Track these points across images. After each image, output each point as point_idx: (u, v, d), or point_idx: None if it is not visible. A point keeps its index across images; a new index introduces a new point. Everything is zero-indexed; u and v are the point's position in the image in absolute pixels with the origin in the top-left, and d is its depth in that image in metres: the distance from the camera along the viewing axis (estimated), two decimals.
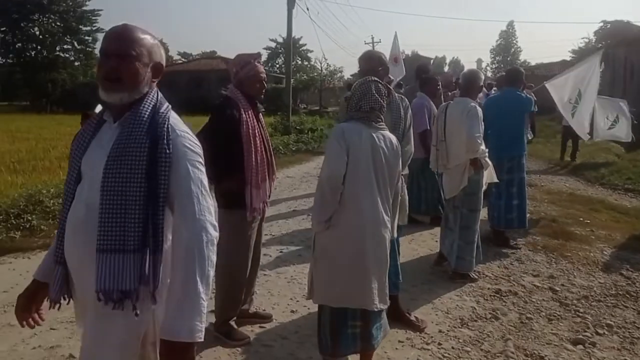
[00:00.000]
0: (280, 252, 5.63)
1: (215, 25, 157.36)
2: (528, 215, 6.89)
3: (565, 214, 7.31)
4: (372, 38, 50.47)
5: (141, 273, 1.60)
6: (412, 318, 3.83)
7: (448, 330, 3.80)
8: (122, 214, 1.60)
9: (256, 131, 3.45)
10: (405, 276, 4.29)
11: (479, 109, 4.38)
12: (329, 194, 2.63)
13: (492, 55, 77.46)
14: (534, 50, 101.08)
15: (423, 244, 5.90)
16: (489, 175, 4.65)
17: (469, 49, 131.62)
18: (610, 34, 28.47)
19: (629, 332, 3.96)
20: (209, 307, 3.59)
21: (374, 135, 2.72)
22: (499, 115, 5.69)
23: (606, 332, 3.91)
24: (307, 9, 26.91)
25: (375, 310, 2.74)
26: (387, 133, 2.81)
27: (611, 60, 27.24)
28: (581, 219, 7.12)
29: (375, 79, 2.84)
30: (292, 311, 4.12)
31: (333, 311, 2.75)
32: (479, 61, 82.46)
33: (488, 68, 73.60)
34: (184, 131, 1.76)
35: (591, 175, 11.12)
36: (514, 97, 5.89)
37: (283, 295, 4.43)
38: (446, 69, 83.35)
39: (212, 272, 1.66)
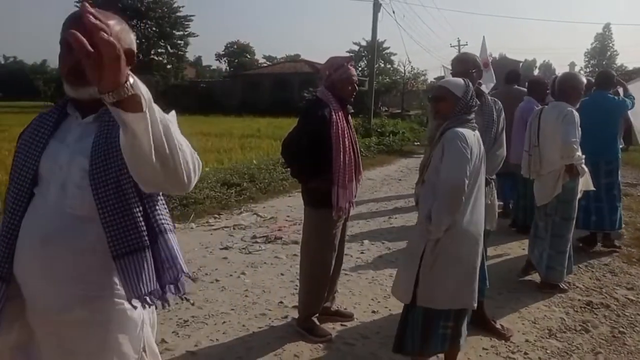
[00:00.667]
0: (362, 252, 5.69)
1: (299, 29, 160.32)
2: (623, 226, 6.59)
3: None
4: (459, 41, 49.26)
5: (162, 261, 1.55)
6: (498, 326, 3.76)
7: (535, 341, 3.69)
8: (126, 213, 1.50)
9: (345, 132, 3.53)
10: (491, 283, 4.23)
11: (576, 114, 4.21)
12: (456, 201, 2.62)
13: (587, 59, 73.63)
14: (632, 54, 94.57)
15: (510, 251, 5.74)
16: (585, 183, 4.46)
17: (562, 51, 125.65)
18: None
19: None
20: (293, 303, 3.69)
21: (477, 137, 2.78)
22: (590, 119, 5.38)
23: None
24: (394, 12, 26.80)
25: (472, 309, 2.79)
26: (478, 134, 2.83)
27: None
28: None
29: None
30: (374, 312, 4.16)
31: (429, 312, 2.76)
32: (572, 65, 78.05)
33: (582, 72, 69.91)
34: None
35: None
36: (605, 99, 5.75)
37: (364, 295, 4.49)
38: (536, 72, 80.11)
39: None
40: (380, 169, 12.59)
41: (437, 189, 2.65)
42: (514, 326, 3.90)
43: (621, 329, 3.91)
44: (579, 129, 4.25)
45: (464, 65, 3.53)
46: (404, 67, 47.35)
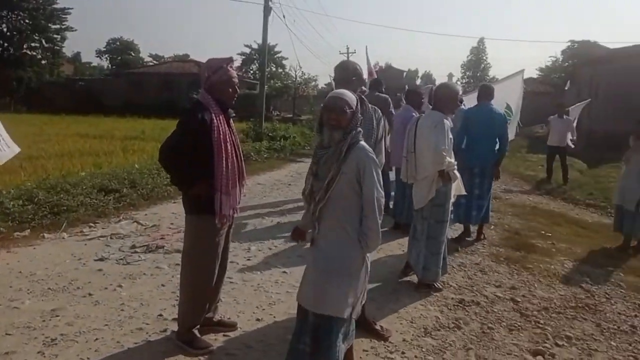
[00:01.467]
0: (248, 259, 5.61)
1: (189, 28, 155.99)
2: (492, 227, 7.14)
3: (528, 227, 7.50)
4: (347, 48, 50.91)
5: None
6: (377, 327, 3.87)
7: (412, 340, 3.84)
8: None
9: (227, 137, 3.44)
10: (371, 285, 4.35)
11: (447, 123, 4.46)
12: (381, 214, 2.77)
13: (463, 70, 78.92)
14: (503, 67, 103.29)
15: (391, 253, 5.95)
16: (457, 188, 4.73)
17: (442, 62, 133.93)
18: (577, 53, 29.42)
19: (587, 344, 4.07)
20: (174, 315, 3.53)
21: None
22: (479, 127, 6.36)
23: (565, 344, 4.01)
24: (284, 17, 27.03)
25: None
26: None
27: (577, 79, 28.15)
28: (543, 232, 7.30)
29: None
30: (258, 319, 4.10)
31: (340, 321, 2.81)
32: (450, 75, 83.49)
33: (459, 82, 74.79)
34: None
35: (554, 190, 11.42)
36: (491, 111, 6.45)
37: (249, 303, 4.42)
38: (418, 81, 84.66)
39: None
40: (271, 173, 12.57)
41: (366, 206, 2.69)
42: (393, 326, 4.03)
43: (490, 325, 4.19)
44: (451, 137, 4.50)
45: (345, 72, 3.58)
46: (295, 72, 47.93)
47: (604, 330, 4.34)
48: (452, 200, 4.82)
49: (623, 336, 4.29)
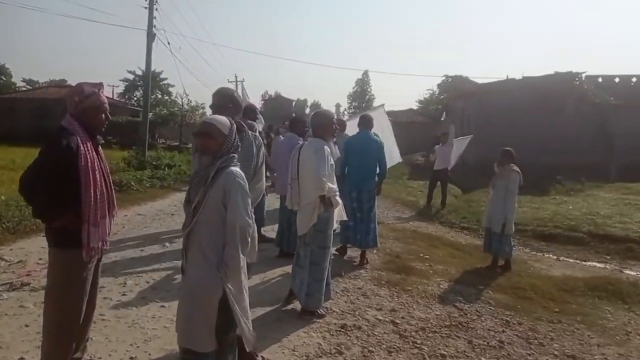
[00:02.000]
0: (123, 294, 5.28)
1: (67, 52, 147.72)
2: (375, 251, 7.36)
3: (408, 250, 7.82)
4: (236, 77, 50.78)
5: None
6: (259, 358, 3.78)
7: None
8: None
9: (95, 164, 3.24)
10: (255, 315, 4.27)
11: (328, 150, 4.56)
12: (246, 241, 2.70)
13: (349, 101, 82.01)
14: (386, 99, 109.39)
15: (274, 281, 5.90)
16: (339, 213, 4.81)
17: (330, 93, 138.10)
18: (450, 87, 31.77)
19: None
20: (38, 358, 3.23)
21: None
22: (358, 153, 6.78)
23: None
24: (169, 43, 26.45)
25: None
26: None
27: (451, 111, 30.36)
28: (421, 254, 7.66)
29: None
30: (132, 358, 3.85)
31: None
32: (338, 106, 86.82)
33: (345, 112, 77.53)
34: None
35: (432, 214, 12.08)
36: (368, 138, 6.89)
37: (122, 341, 4.14)
38: (307, 110, 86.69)
39: None
40: (153, 203, 12.06)
41: (228, 232, 2.60)
42: (275, 356, 3.97)
43: (370, 348, 4.26)
44: (332, 163, 4.60)
45: (222, 99, 3.56)
46: (182, 99, 46.95)
47: (475, 347, 4.59)
48: (335, 226, 4.90)
49: (492, 351, 4.55)
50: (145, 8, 21.85)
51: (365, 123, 7.06)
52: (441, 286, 6.22)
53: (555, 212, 11.56)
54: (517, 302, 6.00)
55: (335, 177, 4.70)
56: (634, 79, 31.21)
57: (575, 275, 7.66)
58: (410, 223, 10.91)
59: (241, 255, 2.63)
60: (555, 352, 4.72)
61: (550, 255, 9.28)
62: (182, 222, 3.36)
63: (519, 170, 7.37)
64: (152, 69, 22.08)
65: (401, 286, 5.98)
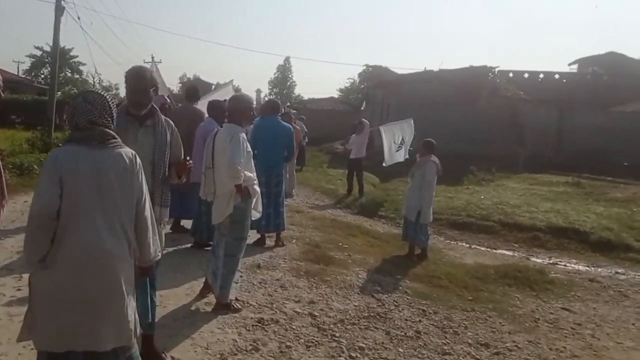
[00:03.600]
0: (18, 289, 4.78)
1: None
2: (294, 240, 7.23)
3: (327, 239, 7.74)
4: (152, 57, 48.58)
5: None
6: (168, 359, 3.52)
7: None
8: None
9: None
10: (166, 310, 3.99)
11: (243, 136, 4.32)
12: (39, 232, 2.30)
13: (270, 87, 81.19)
14: (307, 86, 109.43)
15: (189, 274, 5.57)
16: (256, 205, 4.59)
17: (252, 78, 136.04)
18: (371, 76, 32.20)
19: (378, 353, 4.23)
20: None
21: (99, 155, 2.42)
22: (266, 138, 6.70)
23: (358, 355, 4.12)
24: (79, 18, 24.61)
25: (108, 350, 2.42)
26: (122, 150, 2.50)
27: (371, 100, 30.80)
28: (340, 243, 7.60)
29: (92, 90, 2.61)
30: None
31: (52, 356, 2.36)
32: (259, 91, 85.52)
33: (266, 98, 76.63)
34: None
35: (351, 203, 12.13)
36: (275, 123, 6.84)
37: (13, 343, 3.72)
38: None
39: None
40: None
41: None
42: (186, 355, 3.72)
43: (288, 343, 4.11)
44: (249, 150, 4.38)
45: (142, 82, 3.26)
46: (93, 78, 44.53)
47: (393, 338, 4.57)
48: (257, 215, 4.69)
49: (409, 342, 4.56)
50: None
51: (273, 107, 7.01)
52: (360, 276, 6.19)
53: (468, 202, 11.96)
54: (433, 291, 6.08)
55: (253, 165, 4.48)
56: (542, 75, 33.19)
57: (486, 263, 7.93)
58: (329, 211, 10.87)
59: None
60: (469, 341, 4.81)
61: (464, 244, 9.58)
62: None
63: (437, 162, 7.47)
64: (62, 45, 20.64)
65: (320, 277, 5.87)
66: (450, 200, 12.13)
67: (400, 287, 6.02)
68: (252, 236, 6.87)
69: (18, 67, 50.72)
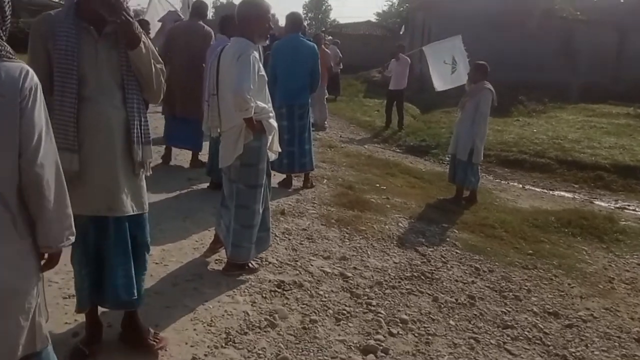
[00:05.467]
0: None
1: None
2: (325, 181, 6.38)
3: (362, 180, 6.83)
4: None
5: None
6: (151, 339, 2.71)
7: (206, 355, 2.79)
8: None
9: None
10: (167, 270, 3.24)
11: (255, 55, 3.33)
12: None
13: (305, 11, 77.91)
14: (343, 10, 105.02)
15: (200, 222, 4.76)
16: (274, 142, 3.66)
17: (284, 2, 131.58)
18: None
19: (424, 327, 3.41)
20: None
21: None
22: (286, 61, 5.66)
23: (400, 332, 3.29)
24: None
25: None
26: (7, 65, 1.56)
27: (411, 24, 28.81)
28: (377, 184, 6.69)
29: None
30: None
31: None
32: None
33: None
34: None
35: (389, 137, 11.12)
36: (299, 43, 5.68)
37: None
38: None
39: None
40: None
41: None
42: (184, 333, 2.94)
43: (313, 317, 3.30)
44: (262, 73, 3.40)
45: None
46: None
47: (442, 306, 3.74)
48: (274, 157, 3.78)
49: (462, 310, 3.73)
50: None
51: (294, 22, 5.82)
52: (400, 224, 5.31)
53: (519, 136, 10.79)
54: (486, 243, 5.18)
55: (268, 93, 3.52)
56: None
57: (544, 208, 6.94)
58: (366, 146, 9.87)
59: None
60: (534, 308, 3.95)
61: (516, 184, 8.56)
62: None
63: (492, 89, 6.34)
64: None
65: (354, 225, 5.01)
66: (500, 134, 10.96)
67: (448, 239, 5.12)
68: (277, 177, 6.06)
69: None
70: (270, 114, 3.46)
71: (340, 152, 8.56)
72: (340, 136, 10.59)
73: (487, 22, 18.99)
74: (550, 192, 8.26)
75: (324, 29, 45.94)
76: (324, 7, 76.05)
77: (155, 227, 4.35)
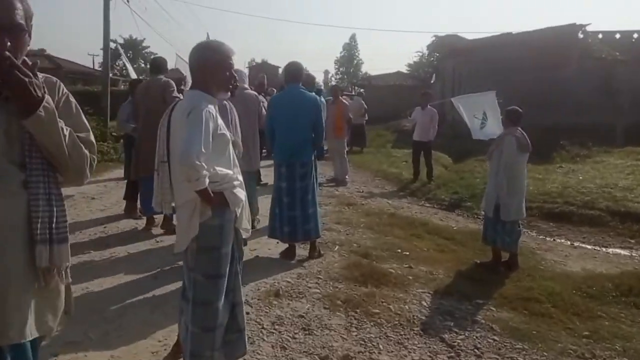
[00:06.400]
0: None
1: (40, 22, 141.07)
2: (337, 247, 5.55)
3: (381, 244, 5.94)
4: (207, 35, 48.00)
5: None
6: None
7: None
8: None
9: None
10: None
11: (210, 110, 2.57)
12: None
13: (337, 66, 78.88)
14: (374, 62, 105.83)
15: (172, 314, 3.90)
16: (240, 219, 2.86)
17: (317, 58, 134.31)
18: (440, 46, 29.71)
19: None
20: None
21: None
22: (285, 115, 5.06)
23: None
24: (128, 1, 23.11)
25: None
26: None
27: (441, 72, 28.27)
28: (399, 250, 5.77)
29: None
30: None
31: None
32: (326, 72, 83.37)
33: (333, 79, 74.51)
34: None
35: (418, 190, 10.22)
36: (299, 95, 5.08)
37: None
38: None
39: None
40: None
41: None
42: None
43: None
44: (223, 132, 2.65)
45: None
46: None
47: None
48: (246, 235, 3.00)
49: None
50: None
51: (293, 73, 5.18)
52: (423, 303, 4.38)
53: (564, 185, 9.71)
54: (532, 325, 4.20)
55: (233, 156, 2.76)
56: (636, 35, 29.18)
57: (599, 271, 5.90)
58: (390, 202, 8.96)
59: None
60: None
61: (563, 241, 7.49)
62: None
63: (521, 135, 5.50)
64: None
65: (365, 307, 4.11)
66: (541, 183, 9.91)
67: (483, 320, 4.17)
68: (280, 246, 5.28)
69: (93, 60, 51.69)
70: (236, 183, 2.69)
71: (359, 211, 7.70)
72: (363, 191, 9.74)
73: (521, 66, 18.22)
74: (604, 249, 7.16)
75: (354, 81, 45.91)
76: (355, 61, 76.80)
77: (113, 322, 3.60)
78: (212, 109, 2.56)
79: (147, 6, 53.54)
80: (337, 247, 5.64)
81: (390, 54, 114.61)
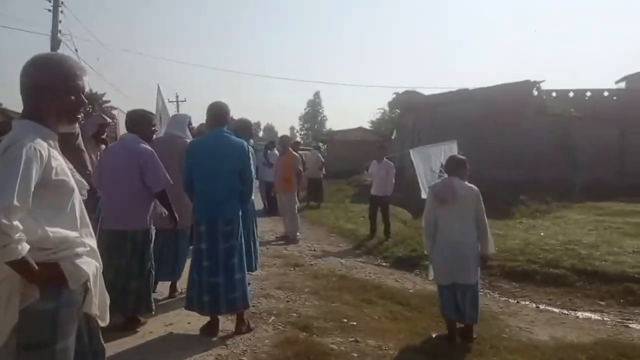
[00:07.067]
0: None
1: None
2: (272, 318, 4.75)
3: (326, 313, 5.15)
4: (177, 96, 47.87)
5: None
6: None
7: None
8: None
9: None
10: None
11: (39, 146, 1.78)
12: None
13: (301, 123, 79.42)
14: (338, 118, 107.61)
15: None
16: (89, 301, 2.05)
17: (282, 115, 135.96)
18: (399, 102, 29.89)
19: None
20: None
21: None
22: (205, 162, 4.33)
23: None
24: (76, 50, 22.28)
25: None
26: None
27: (402, 128, 28.29)
28: (345, 319, 4.98)
29: None
30: None
31: None
32: (292, 128, 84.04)
33: (298, 135, 74.75)
34: None
35: (373, 248, 9.53)
36: (223, 140, 4.37)
37: None
38: (261, 134, 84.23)
39: None
40: None
41: None
42: None
43: None
44: (59, 177, 1.92)
45: None
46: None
47: None
48: (103, 324, 2.20)
49: None
50: (49, 10, 19.14)
51: (216, 114, 4.49)
52: None
53: (525, 241, 9.19)
54: None
55: (80, 213, 2.02)
56: (589, 93, 30.05)
57: (569, 340, 5.24)
58: (342, 262, 8.19)
59: None
60: None
61: (528, 303, 6.84)
62: None
63: (442, 184, 4.98)
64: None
65: None
66: (502, 239, 9.34)
67: None
68: (201, 320, 4.46)
69: None
70: (80, 250, 1.94)
71: (306, 272, 6.91)
72: (315, 249, 8.98)
73: (479, 122, 18.25)
74: (573, 312, 6.53)
75: (319, 137, 45.93)
76: (319, 117, 77.62)
77: None
78: (42, 145, 1.84)
79: (98, 56, 52.67)
80: (272, 318, 4.82)
81: (352, 112, 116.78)
